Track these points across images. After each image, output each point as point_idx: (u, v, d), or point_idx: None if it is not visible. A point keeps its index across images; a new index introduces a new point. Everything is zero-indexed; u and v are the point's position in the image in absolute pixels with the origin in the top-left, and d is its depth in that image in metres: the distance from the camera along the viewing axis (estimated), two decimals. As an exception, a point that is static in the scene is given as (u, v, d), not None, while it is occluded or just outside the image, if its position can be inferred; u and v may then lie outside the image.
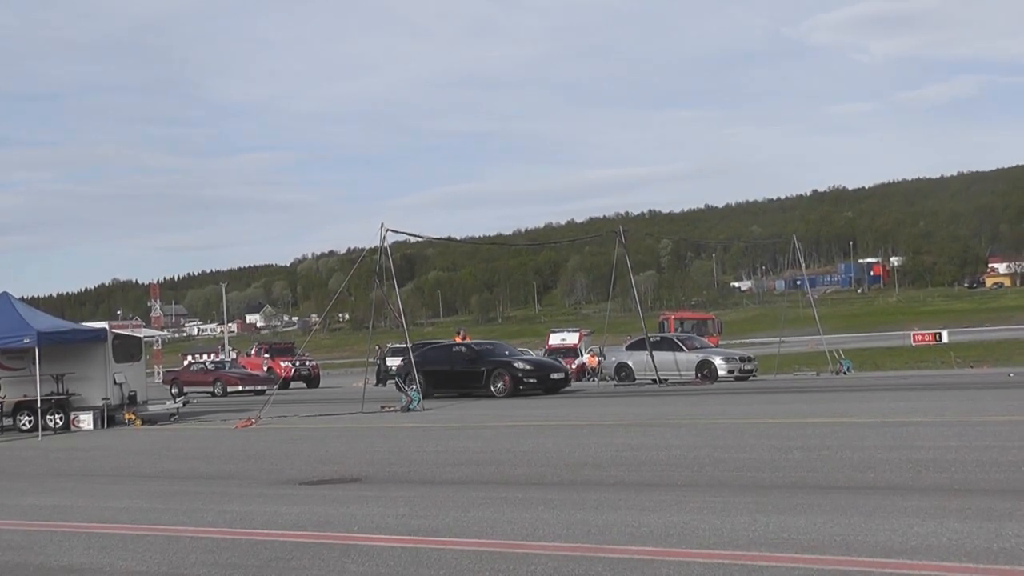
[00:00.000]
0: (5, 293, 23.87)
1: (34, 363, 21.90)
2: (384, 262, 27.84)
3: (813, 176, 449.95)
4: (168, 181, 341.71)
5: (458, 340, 33.15)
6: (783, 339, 45.62)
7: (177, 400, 27.64)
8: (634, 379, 33.63)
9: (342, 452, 15.62)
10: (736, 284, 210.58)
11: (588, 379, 40.71)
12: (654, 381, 32.52)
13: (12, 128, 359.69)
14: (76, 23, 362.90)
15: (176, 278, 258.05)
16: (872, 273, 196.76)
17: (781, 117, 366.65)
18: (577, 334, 51.63)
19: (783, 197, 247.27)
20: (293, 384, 47.24)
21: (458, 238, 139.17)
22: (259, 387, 41.72)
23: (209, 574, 7.23)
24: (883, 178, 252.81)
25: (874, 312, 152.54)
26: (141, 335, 27.06)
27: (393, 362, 36.84)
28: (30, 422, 23.16)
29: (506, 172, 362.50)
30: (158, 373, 65.48)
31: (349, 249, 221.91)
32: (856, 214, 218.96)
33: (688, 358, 33.04)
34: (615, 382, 34.25)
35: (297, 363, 47.51)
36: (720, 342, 49.83)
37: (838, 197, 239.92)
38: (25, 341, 22.06)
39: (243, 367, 47.42)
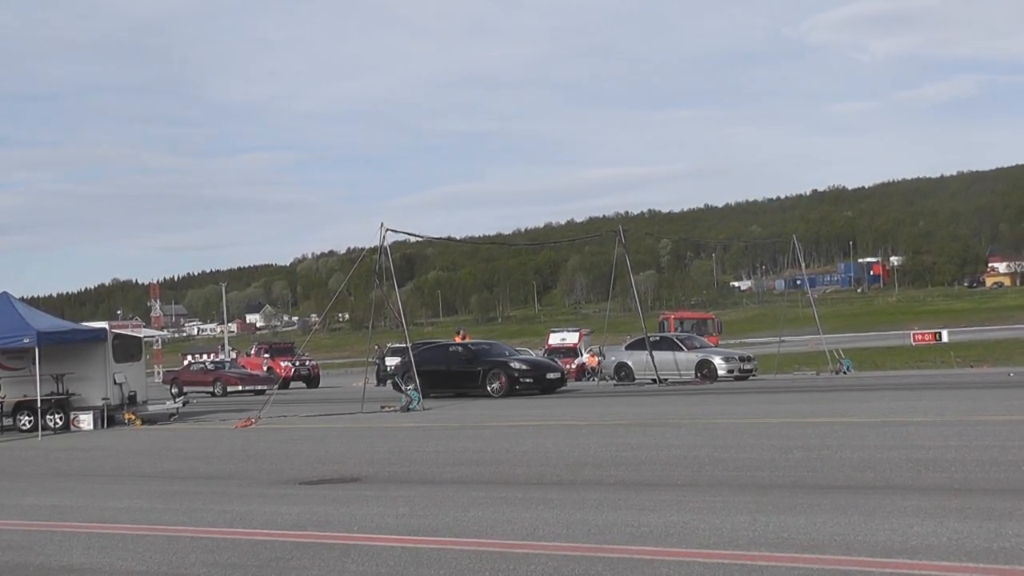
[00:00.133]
0: (5, 293, 23.87)
1: (34, 363, 21.90)
2: (384, 262, 27.84)
3: (813, 176, 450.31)
4: (168, 181, 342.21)
5: (458, 340, 33.15)
6: (783, 339, 45.64)
7: (177, 400, 27.65)
8: (634, 379, 33.62)
9: (342, 452, 15.63)
10: (736, 284, 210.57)
11: (588, 379, 40.73)
12: (654, 381, 32.52)
13: (12, 128, 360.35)
14: (76, 23, 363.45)
15: (176, 278, 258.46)
16: (872, 273, 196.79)
17: (781, 117, 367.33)
18: (577, 334, 51.65)
19: (783, 197, 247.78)
20: (293, 384, 47.25)
21: (458, 238, 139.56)
22: (259, 387, 41.74)
23: (209, 574, 7.23)
24: (883, 178, 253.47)
25: (874, 312, 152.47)
26: (141, 335, 27.05)
27: (391, 362, 36.82)
28: (30, 422, 23.15)
29: (506, 172, 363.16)
30: (158, 373, 65.50)
31: (349, 249, 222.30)
32: (856, 214, 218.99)
33: (688, 358, 33.03)
34: (615, 382, 34.24)
35: (297, 363, 47.53)
36: (720, 342, 49.86)
37: (838, 197, 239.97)
38: (25, 341, 22.05)
39: (243, 367, 47.43)
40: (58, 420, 23.48)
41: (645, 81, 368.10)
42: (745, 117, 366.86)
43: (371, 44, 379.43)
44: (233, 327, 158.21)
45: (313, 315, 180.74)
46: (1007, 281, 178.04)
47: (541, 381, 29.03)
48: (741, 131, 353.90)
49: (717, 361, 32.85)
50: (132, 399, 24.79)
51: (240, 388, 41.91)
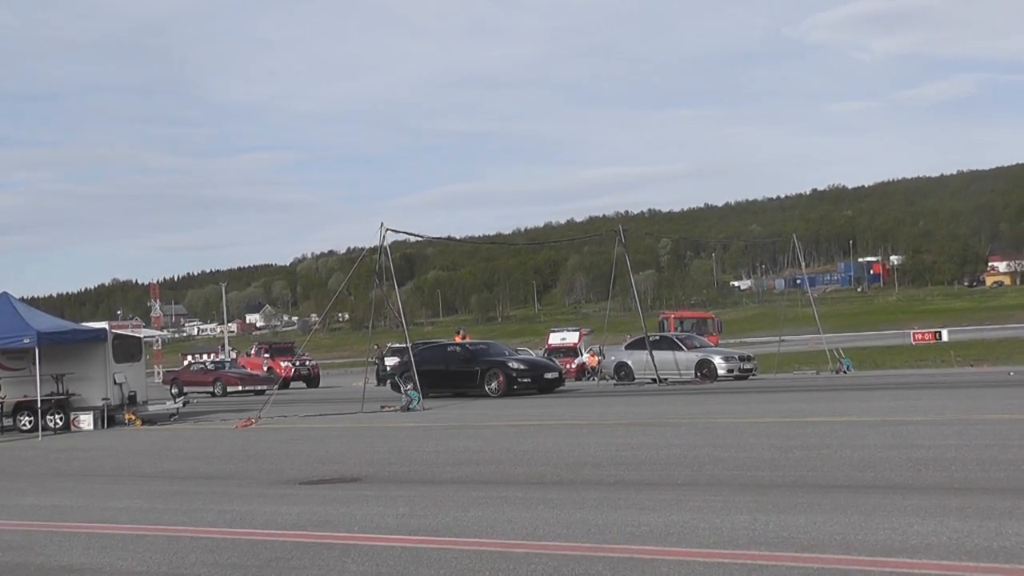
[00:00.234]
0: (5, 293, 23.87)
1: (34, 363, 21.90)
2: (384, 262, 27.84)
3: (813, 175, 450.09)
4: (168, 181, 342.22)
5: (458, 339, 33.15)
6: (783, 338, 45.63)
7: (177, 400, 27.67)
8: (633, 378, 33.62)
9: (342, 452, 15.62)
10: (736, 283, 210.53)
11: (588, 378, 40.71)
12: (654, 380, 32.51)
13: (12, 128, 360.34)
14: (76, 23, 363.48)
15: (176, 278, 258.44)
16: (872, 272, 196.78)
17: (781, 117, 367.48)
18: (577, 333, 51.62)
19: (783, 196, 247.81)
20: (293, 384, 47.25)
21: (458, 238, 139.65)
22: (259, 387, 41.76)
23: (209, 574, 7.23)
24: (883, 177, 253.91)
25: (874, 311, 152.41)
26: (141, 335, 27.07)
27: (391, 362, 36.82)
28: (30, 422, 23.16)
29: (506, 172, 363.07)
30: (158, 373, 65.51)
31: (349, 249, 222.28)
32: (856, 213, 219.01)
33: (688, 357, 33.03)
34: (615, 381, 34.23)
35: (297, 363, 47.52)
36: (720, 341, 49.86)
37: (838, 196, 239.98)
38: (25, 341, 22.06)
39: (243, 367, 47.44)
40: (58, 420, 23.48)
41: (645, 81, 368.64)
42: (745, 117, 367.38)
43: (371, 44, 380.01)
44: (233, 327, 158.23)
45: (313, 315, 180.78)
46: (1007, 280, 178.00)
47: (539, 381, 29.07)
48: (741, 131, 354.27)
49: (717, 361, 32.84)
50: (132, 399, 24.79)
51: (240, 388, 41.93)
